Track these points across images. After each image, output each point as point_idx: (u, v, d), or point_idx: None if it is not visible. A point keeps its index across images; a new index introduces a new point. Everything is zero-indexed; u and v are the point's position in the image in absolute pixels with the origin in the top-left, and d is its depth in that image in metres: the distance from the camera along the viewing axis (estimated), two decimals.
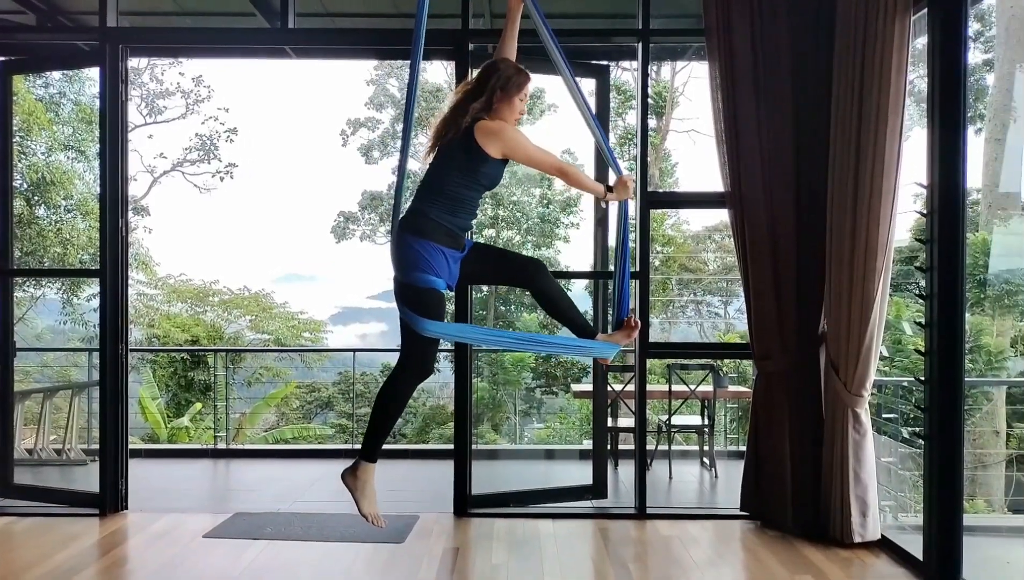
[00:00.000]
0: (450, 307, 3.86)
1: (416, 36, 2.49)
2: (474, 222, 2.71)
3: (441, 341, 2.80)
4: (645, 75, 4.00)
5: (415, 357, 2.62)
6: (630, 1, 4.12)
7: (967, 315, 3.13)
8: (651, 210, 4.04)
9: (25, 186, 9.26)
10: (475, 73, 2.57)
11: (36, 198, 9.53)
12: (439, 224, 2.51)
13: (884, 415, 4.30)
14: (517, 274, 2.76)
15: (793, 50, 3.72)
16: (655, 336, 14.95)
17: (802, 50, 3.72)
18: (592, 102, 4.16)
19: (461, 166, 2.52)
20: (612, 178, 2.79)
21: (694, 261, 15.51)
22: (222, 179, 19.68)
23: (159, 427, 9.49)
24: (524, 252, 15.44)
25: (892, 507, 4.03)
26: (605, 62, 4.33)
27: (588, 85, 4.17)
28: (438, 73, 16.63)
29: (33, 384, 9.85)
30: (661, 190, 11.81)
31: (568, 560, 3.44)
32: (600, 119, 4.12)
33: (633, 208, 2.87)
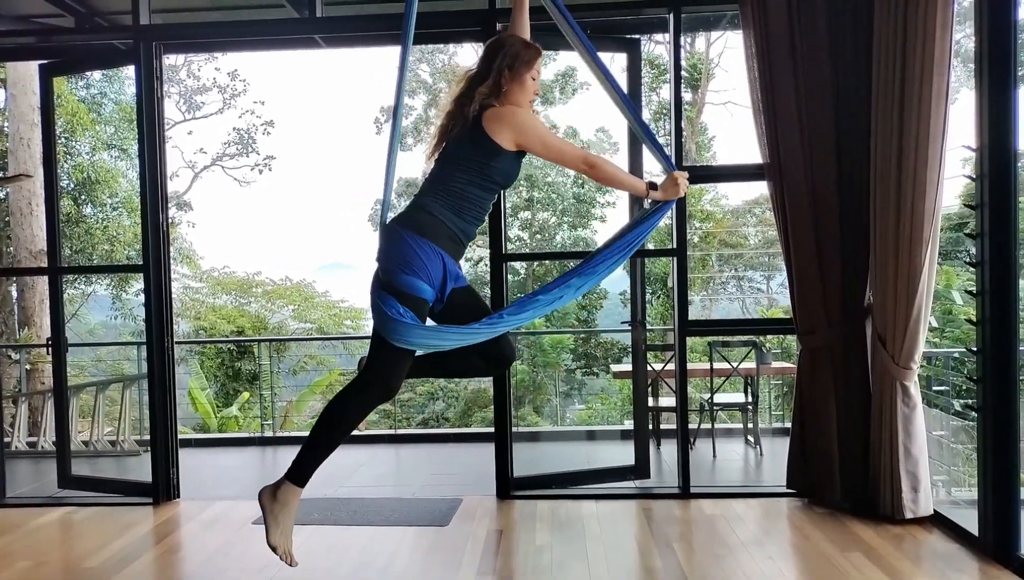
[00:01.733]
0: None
1: (407, 13, 2.30)
2: (481, 227, 2.38)
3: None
4: (677, 46, 3.91)
5: (381, 372, 2.23)
6: None
7: (1020, 282, 3.01)
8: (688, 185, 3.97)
9: (72, 186, 9.51)
10: (479, 54, 2.30)
11: (83, 197, 9.80)
12: (444, 224, 2.22)
13: (935, 388, 4.17)
14: (480, 349, 2.34)
15: (830, 11, 3.59)
16: (695, 314, 14.80)
17: (840, 11, 3.60)
18: (624, 78, 4.10)
19: (470, 161, 2.23)
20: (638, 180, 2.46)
21: (734, 236, 15.27)
22: (261, 172, 19.98)
23: (209, 417, 9.72)
24: (560, 235, 15.37)
25: (945, 482, 3.93)
26: (636, 35, 4.24)
27: (619, 60, 4.11)
28: (469, 56, 16.59)
29: (88, 378, 10.20)
30: (698, 164, 11.60)
31: (612, 541, 3.43)
32: (632, 95, 4.07)
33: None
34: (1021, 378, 3.02)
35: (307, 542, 3.49)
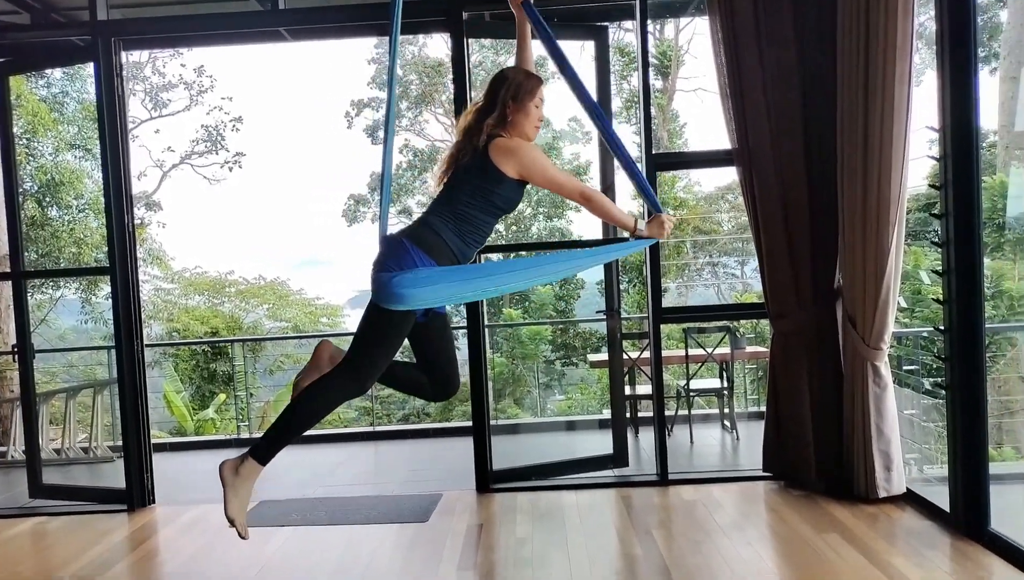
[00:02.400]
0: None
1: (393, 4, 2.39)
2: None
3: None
4: (645, 33, 3.91)
5: (363, 364, 2.30)
6: None
7: (986, 260, 3.05)
8: (660, 173, 3.98)
9: (35, 188, 9.32)
10: (484, 88, 2.45)
11: (47, 199, 9.60)
12: (447, 245, 2.32)
13: (906, 367, 4.23)
14: (431, 373, 2.51)
15: None
16: (671, 301, 14.88)
17: None
18: (593, 67, 4.10)
19: (476, 186, 2.34)
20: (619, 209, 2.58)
21: (708, 222, 15.36)
22: (231, 169, 19.69)
23: (185, 420, 9.61)
24: (536, 225, 15.39)
25: (918, 460, 3.99)
26: (604, 23, 4.23)
27: (588, 48, 4.10)
28: (439, 47, 16.48)
29: (60, 384, 10.01)
30: (668, 152, 11.63)
31: (592, 530, 3.44)
32: (601, 85, 4.06)
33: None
34: (990, 355, 3.07)
35: (287, 544, 3.47)
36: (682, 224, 15.21)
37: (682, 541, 3.26)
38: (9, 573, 3.25)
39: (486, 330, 4.10)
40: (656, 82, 15.75)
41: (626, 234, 2.62)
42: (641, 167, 3.96)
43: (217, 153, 19.67)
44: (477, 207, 2.35)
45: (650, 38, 3.85)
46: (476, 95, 3.07)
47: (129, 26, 4.15)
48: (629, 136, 16.28)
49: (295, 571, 3.13)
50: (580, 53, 2.63)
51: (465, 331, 4.10)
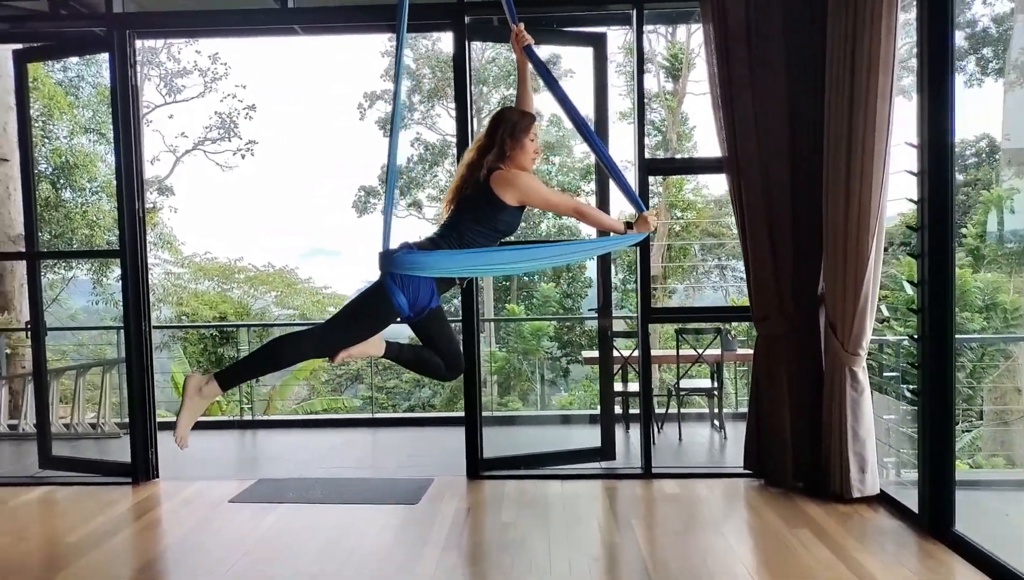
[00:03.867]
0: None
1: (400, 12, 2.57)
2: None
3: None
4: (640, 42, 4.04)
5: (335, 332, 2.55)
6: None
7: (986, 274, 3.17)
8: (667, 177, 4.11)
9: (50, 170, 9.50)
10: (485, 126, 2.71)
11: (62, 181, 9.78)
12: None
13: (887, 374, 4.35)
14: (437, 351, 2.74)
15: (786, 10, 3.72)
16: (679, 302, 14.97)
17: (796, 9, 3.73)
18: (591, 74, 4.22)
19: (479, 214, 2.59)
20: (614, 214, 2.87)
21: (717, 225, 15.42)
22: (243, 157, 19.86)
23: None
24: (544, 223, 15.53)
25: (895, 463, 4.11)
26: (602, 29, 4.35)
27: (585, 54, 4.21)
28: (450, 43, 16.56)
29: (70, 362, 10.21)
30: (678, 156, 11.71)
31: (574, 518, 3.58)
32: (599, 90, 4.18)
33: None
34: (983, 366, 3.18)
35: (281, 520, 3.63)
36: (690, 226, 15.31)
37: (660, 532, 3.40)
38: (16, 537, 3.43)
39: (483, 323, 4.23)
40: (667, 85, 15.82)
41: None
42: (634, 171, 4.11)
43: (230, 140, 19.85)
44: (481, 233, 2.60)
45: (662, 40, 3.97)
46: (481, 91, 3.29)
47: (143, 19, 4.30)
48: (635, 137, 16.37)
49: (287, 546, 3.29)
50: (577, 60, 2.88)
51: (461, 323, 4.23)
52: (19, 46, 4.56)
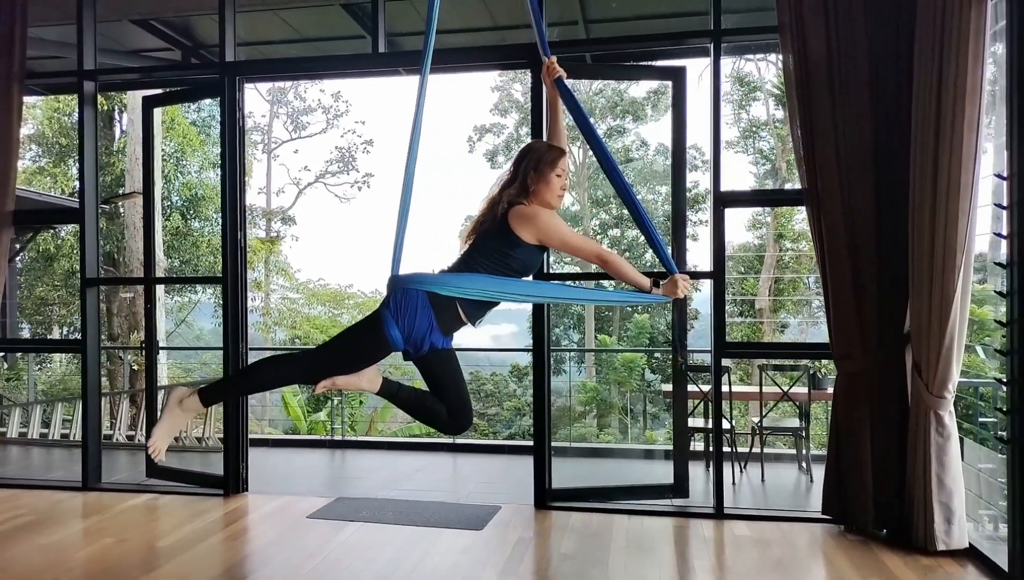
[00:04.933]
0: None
1: (425, 44, 2.68)
2: (490, 312, 2.58)
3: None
4: (717, 75, 4.01)
5: (324, 359, 2.51)
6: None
7: None
8: (775, 208, 4.07)
9: (180, 203, 10.39)
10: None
11: (191, 212, 10.67)
12: (453, 303, 2.45)
13: (981, 420, 4.05)
14: (442, 398, 2.60)
15: (870, 38, 3.61)
16: (792, 337, 14.39)
17: (880, 40, 3.61)
18: (670, 110, 4.22)
19: (492, 251, 2.49)
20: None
21: None
22: (360, 189, 20.92)
23: (299, 421, 10.34)
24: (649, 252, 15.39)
25: (992, 516, 3.80)
26: (681, 62, 4.35)
27: (659, 88, 4.22)
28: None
29: (194, 379, 11.02)
30: (732, 190, 11.37)
31: (635, 553, 3.54)
32: (677, 126, 4.16)
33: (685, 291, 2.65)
34: None
35: (351, 537, 3.78)
36: (801, 258, 14.73)
37: (720, 574, 3.31)
38: (118, 539, 3.75)
39: (551, 353, 4.27)
40: (777, 112, 15.43)
41: None
42: (709, 203, 4.07)
43: (348, 173, 20.96)
44: (493, 270, 2.49)
45: (771, 67, 3.94)
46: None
47: (251, 67, 4.69)
48: (744, 166, 16.00)
49: (352, 562, 3.43)
50: (658, 94, 2.76)
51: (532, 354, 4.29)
52: (147, 93, 5.08)
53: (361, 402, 10.86)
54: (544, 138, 2.79)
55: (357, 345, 2.51)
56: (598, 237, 17.38)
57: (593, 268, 2.93)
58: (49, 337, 12.63)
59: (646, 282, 2.63)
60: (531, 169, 2.53)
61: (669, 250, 2.95)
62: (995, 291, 3.18)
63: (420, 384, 2.78)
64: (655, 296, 2.64)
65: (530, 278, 2.72)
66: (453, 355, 2.62)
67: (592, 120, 3.44)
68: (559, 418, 10.83)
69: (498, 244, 2.49)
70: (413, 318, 2.41)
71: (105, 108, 10.23)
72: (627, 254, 16.07)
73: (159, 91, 5.05)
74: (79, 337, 4.81)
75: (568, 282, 4.21)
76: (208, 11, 4.71)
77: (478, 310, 2.52)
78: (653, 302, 2.74)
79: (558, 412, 10.98)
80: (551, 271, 4.19)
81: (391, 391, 2.64)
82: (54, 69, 5.53)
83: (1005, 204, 3.04)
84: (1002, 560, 3.17)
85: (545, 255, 3.05)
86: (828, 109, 3.67)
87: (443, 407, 2.57)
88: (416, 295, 2.43)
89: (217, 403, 2.67)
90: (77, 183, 5.29)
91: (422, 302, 2.42)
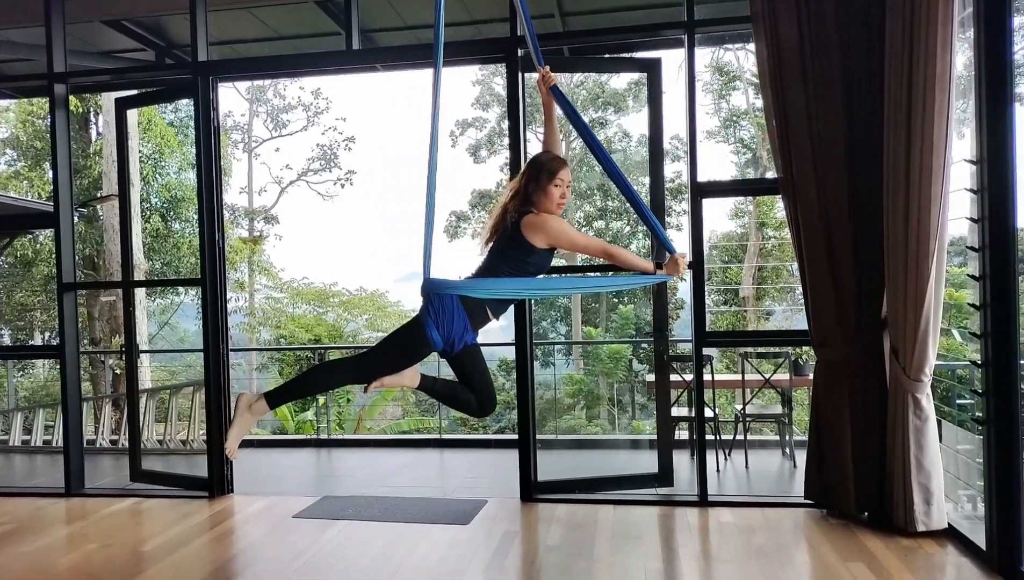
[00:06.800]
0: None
1: (436, 47, 2.71)
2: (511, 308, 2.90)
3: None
4: (692, 66, 4.03)
5: (374, 360, 2.72)
6: None
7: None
8: (758, 197, 4.10)
9: (160, 204, 10.29)
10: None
11: (171, 214, 10.57)
12: (482, 304, 2.69)
13: (958, 402, 4.10)
14: (471, 387, 2.80)
15: (841, 25, 3.63)
16: (777, 324, 14.49)
17: (852, 25, 3.63)
18: (644, 101, 4.23)
19: (511, 257, 2.72)
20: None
21: None
22: (342, 186, 20.80)
23: (287, 420, 10.30)
24: (637, 239, 15.48)
25: (971, 497, 3.86)
26: (655, 54, 4.36)
27: (639, 80, 4.23)
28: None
29: (177, 381, 10.95)
30: (705, 181, 11.43)
31: (620, 544, 3.56)
32: (653, 117, 4.18)
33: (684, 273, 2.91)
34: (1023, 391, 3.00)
35: (337, 536, 3.78)
36: (784, 246, 14.82)
37: (706, 561, 3.34)
38: (101, 544, 3.73)
39: (534, 347, 4.28)
40: (756, 101, 15.49)
41: None
42: (686, 194, 4.09)
43: (330, 171, 20.84)
44: (514, 273, 2.74)
45: (751, 56, 3.96)
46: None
47: (225, 66, 4.65)
48: (725, 155, 16.05)
49: (339, 560, 3.43)
50: (637, 85, 2.91)
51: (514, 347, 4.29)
52: (119, 94, 5.03)
53: (348, 400, 10.84)
54: (542, 138, 2.98)
55: (402, 348, 2.71)
56: (583, 229, 17.40)
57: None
58: (31, 343, 12.50)
59: (650, 266, 2.89)
60: (532, 181, 2.74)
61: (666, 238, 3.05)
62: (968, 275, 3.21)
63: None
64: (660, 276, 2.89)
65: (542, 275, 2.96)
66: (479, 349, 2.83)
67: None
68: (547, 410, 10.86)
69: (515, 251, 2.73)
70: (451, 321, 2.62)
71: (80, 110, 10.12)
72: (614, 245, 16.12)
73: (132, 92, 5.00)
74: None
75: (579, 274, 4.71)
76: (180, 11, 4.66)
77: (501, 307, 2.80)
78: (657, 282, 3.08)
79: (546, 405, 11.00)
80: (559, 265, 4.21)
81: (428, 385, 2.84)
82: (24, 72, 5.46)
83: (975, 189, 3.07)
84: (980, 539, 3.22)
85: None
86: (802, 98, 3.69)
87: (472, 396, 2.79)
88: (451, 300, 2.63)
89: (282, 405, 2.91)
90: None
91: (457, 306, 2.63)
